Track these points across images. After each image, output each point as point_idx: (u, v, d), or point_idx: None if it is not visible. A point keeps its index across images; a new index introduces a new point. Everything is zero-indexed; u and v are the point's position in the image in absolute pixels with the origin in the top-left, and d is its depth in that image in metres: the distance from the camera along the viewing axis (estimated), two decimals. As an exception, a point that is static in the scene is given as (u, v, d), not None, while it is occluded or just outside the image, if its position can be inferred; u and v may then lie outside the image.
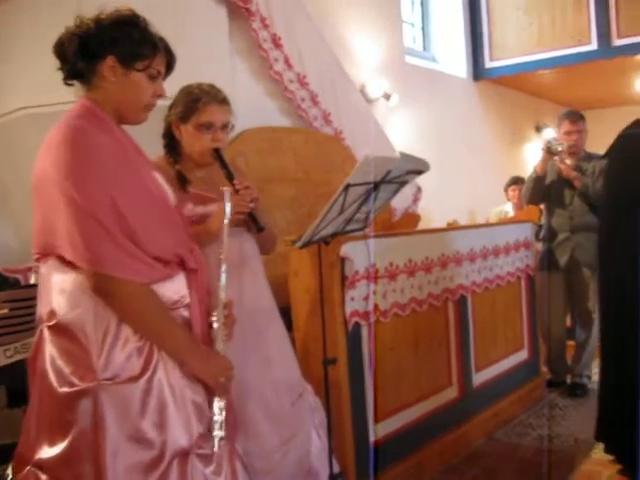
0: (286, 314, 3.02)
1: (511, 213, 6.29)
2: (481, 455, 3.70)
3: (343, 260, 2.94)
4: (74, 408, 1.69)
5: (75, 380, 1.70)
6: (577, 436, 3.87)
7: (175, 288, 1.83)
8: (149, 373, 1.73)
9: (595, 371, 4.47)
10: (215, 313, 1.89)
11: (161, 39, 1.90)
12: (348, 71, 5.26)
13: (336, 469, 2.69)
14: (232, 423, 1.96)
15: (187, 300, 1.86)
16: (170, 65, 1.95)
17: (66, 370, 1.71)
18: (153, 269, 1.75)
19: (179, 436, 1.74)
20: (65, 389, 1.70)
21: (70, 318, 1.73)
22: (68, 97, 1.98)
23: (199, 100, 2.43)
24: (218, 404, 1.84)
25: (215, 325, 1.89)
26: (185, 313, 1.86)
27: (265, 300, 2.60)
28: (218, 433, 1.82)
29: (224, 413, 1.84)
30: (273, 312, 2.64)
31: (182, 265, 1.86)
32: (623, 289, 3.10)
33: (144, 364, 1.74)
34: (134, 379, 1.72)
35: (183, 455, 1.74)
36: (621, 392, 3.18)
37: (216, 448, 1.81)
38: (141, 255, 1.72)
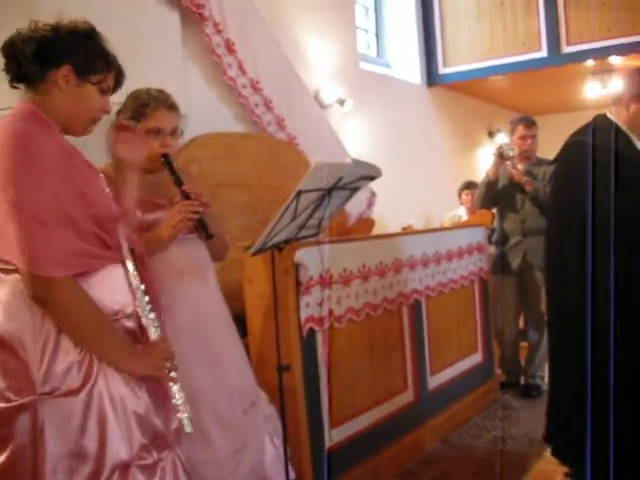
0: (241, 321, 3.00)
1: (465, 217, 6.36)
2: (436, 458, 3.72)
3: (297, 266, 2.93)
4: (12, 423, 1.65)
5: (11, 395, 1.66)
6: (531, 436, 3.92)
7: (116, 298, 1.81)
8: (89, 386, 1.71)
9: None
10: (138, 304, 1.88)
11: (114, 57, 1.91)
12: (302, 77, 5.27)
13: (292, 477, 2.69)
14: (177, 429, 1.94)
15: (129, 310, 1.84)
16: (118, 83, 1.95)
17: (1, 384, 1.67)
18: (95, 260, 1.75)
19: (119, 449, 1.72)
20: (1, 404, 1.66)
21: (7, 330, 1.69)
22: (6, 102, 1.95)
23: (147, 105, 2.40)
24: (175, 388, 1.86)
25: (143, 320, 1.88)
26: (128, 323, 1.84)
27: (218, 307, 2.59)
28: (184, 414, 1.85)
29: (183, 394, 1.88)
30: (226, 319, 2.62)
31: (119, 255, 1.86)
32: (571, 292, 3.15)
33: (84, 377, 1.71)
34: (74, 392, 1.69)
35: (124, 468, 1.72)
36: (569, 395, 3.23)
37: (189, 429, 1.85)
38: (82, 248, 1.71)
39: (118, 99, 2.39)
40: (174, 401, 1.86)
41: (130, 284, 1.87)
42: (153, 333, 1.88)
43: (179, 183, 2.35)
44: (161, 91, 2.48)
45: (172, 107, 2.46)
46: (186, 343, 2.37)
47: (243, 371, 2.64)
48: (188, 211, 2.33)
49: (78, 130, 1.88)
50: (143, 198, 2.42)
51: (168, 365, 1.87)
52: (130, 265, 1.89)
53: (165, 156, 2.38)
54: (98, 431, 1.70)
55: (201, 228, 2.37)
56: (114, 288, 1.81)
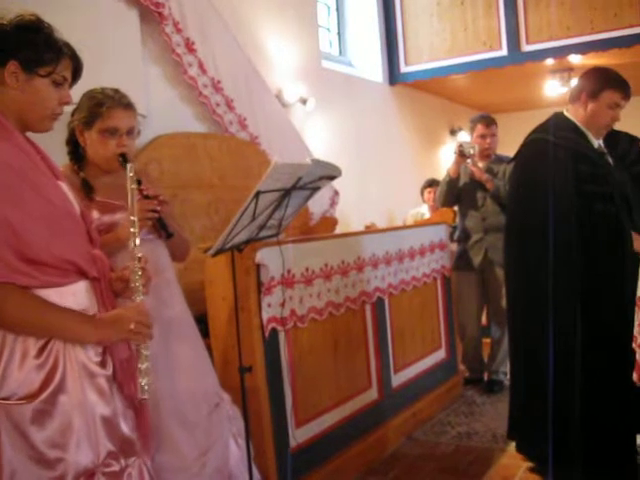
0: (203, 322, 2.99)
1: (427, 215, 6.39)
2: (401, 455, 3.74)
3: (259, 266, 2.92)
4: None
5: None
6: (495, 432, 3.96)
7: (77, 301, 1.78)
8: (50, 390, 1.68)
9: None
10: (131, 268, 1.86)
11: (67, 45, 1.85)
12: (264, 76, 5.25)
13: (257, 478, 2.68)
14: (146, 436, 1.93)
15: (92, 312, 1.81)
16: (77, 71, 1.90)
17: None
18: (40, 278, 1.70)
19: (83, 456, 1.70)
20: None
21: None
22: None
23: (103, 105, 2.37)
24: (145, 353, 1.82)
25: (133, 284, 1.85)
26: None
27: (179, 308, 2.57)
28: (144, 380, 1.81)
29: (149, 364, 1.83)
30: (188, 320, 2.60)
31: (83, 274, 1.81)
32: (531, 289, 3.19)
33: (44, 381, 1.68)
34: (32, 397, 1.66)
35: (88, 475, 1.70)
36: (529, 391, 3.27)
37: (144, 395, 1.81)
38: (27, 269, 1.67)
39: (77, 98, 2.37)
40: (139, 366, 1.81)
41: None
42: (138, 299, 1.86)
43: (138, 182, 2.33)
44: (117, 90, 2.45)
45: (128, 106, 2.43)
46: (160, 341, 2.37)
47: (206, 373, 2.63)
48: (147, 210, 2.31)
49: (37, 127, 1.84)
50: (100, 200, 2.40)
51: (142, 328, 1.81)
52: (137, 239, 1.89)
53: (123, 155, 2.35)
54: (60, 437, 1.68)
55: (161, 227, 2.36)
56: (74, 291, 1.79)
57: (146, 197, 2.33)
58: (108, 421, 1.77)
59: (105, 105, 2.37)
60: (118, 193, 2.42)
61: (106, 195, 2.41)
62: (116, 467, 1.76)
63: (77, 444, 1.70)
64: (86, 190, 2.38)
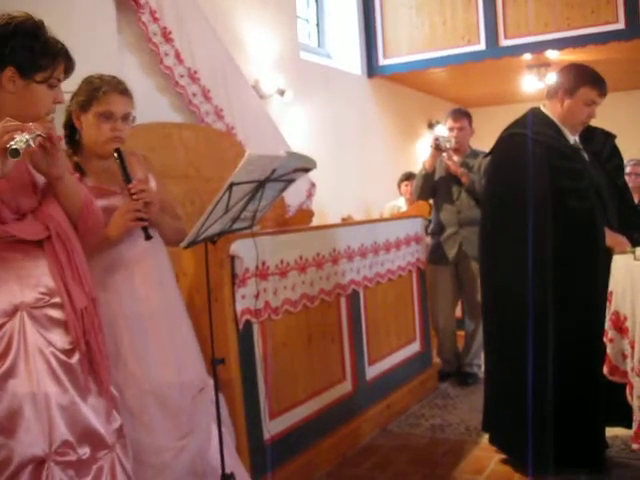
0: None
1: (404, 208, 6.40)
2: (375, 447, 3.76)
3: (233, 258, 2.92)
4: None
5: None
6: (468, 424, 3.99)
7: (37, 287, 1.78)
8: None
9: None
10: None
11: (63, 47, 1.89)
12: (242, 66, 5.23)
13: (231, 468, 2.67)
14: (119, 429, 1.92)
15: (55, 299, 1.81)
16: (68, 70, 1.94)
17: None
18: None
19: (31, 443, 1.69)
20: None
21: None
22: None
23: (99, 89, 2.40)
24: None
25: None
26: (53, 313, 1.80)
27: (172, 295, 2.57)
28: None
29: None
30: (179, 307, 2.61)
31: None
32: (505, 283, 3.21)
33: None
34: None
35: (38, 463, 1.69)
36: (503, 385, 3.30)
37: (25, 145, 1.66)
38: None
39: (70, 87, 2.38)
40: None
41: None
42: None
43: (127, 180, 2.38)
44: (114, 77, 2.49)
45: (124, 92, 2.47)
46: (139, 331, 2.39)
47: (195, 359, 2.63)
48: (132, 211, 2.35)
49: None
50: (93, 184, 2.42)
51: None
52: None
53: (118, 151, 2.39)
54: (6, 422, 1.67)
55: (142, 229, 2.38)
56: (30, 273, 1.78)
57: (131, 195, 2.36)
58: (66, 409, 1.75)
59: (102, 89, 2.40)
60: (111, 178, 2.46)
61: (99, 180, 2.45)
62: (72, 457, 1.74)
63: (26, 431, 1.69)
64: (79, 174, 2.40)
